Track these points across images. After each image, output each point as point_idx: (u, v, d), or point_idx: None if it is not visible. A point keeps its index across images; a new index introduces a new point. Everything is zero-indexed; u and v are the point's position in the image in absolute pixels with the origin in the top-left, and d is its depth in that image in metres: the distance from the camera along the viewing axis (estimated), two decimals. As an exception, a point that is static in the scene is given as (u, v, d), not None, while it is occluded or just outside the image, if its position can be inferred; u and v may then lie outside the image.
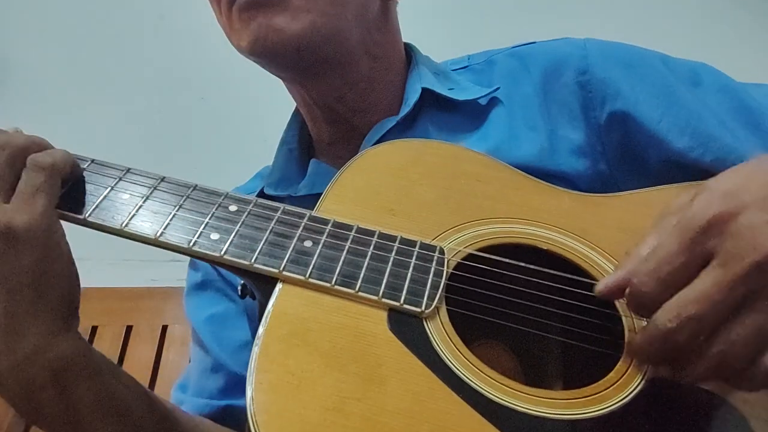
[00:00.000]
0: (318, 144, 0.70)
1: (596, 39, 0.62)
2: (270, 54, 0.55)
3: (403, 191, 0.50)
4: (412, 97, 0.62)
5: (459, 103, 0.61)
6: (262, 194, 0.65)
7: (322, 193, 0.54)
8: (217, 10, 0.59)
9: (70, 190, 0.44)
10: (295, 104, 0.71)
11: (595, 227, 0.49)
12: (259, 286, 0.44)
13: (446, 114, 0.62)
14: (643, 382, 0.40)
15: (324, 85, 0.61)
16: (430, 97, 0.63)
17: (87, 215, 0.44)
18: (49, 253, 0.41)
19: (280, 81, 0.65)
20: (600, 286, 0.41)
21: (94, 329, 1.12)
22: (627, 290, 0.39)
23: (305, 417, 0.36)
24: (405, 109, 0.61)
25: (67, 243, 0.43)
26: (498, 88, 0.62)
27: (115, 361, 1.02)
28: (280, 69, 0.60)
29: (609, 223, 0.49)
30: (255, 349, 0.39)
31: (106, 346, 1.12)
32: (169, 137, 1.62)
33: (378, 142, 0.60)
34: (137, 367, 1.12)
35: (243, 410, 0.62)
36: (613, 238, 0.48)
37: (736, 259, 0.35)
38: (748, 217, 0.36)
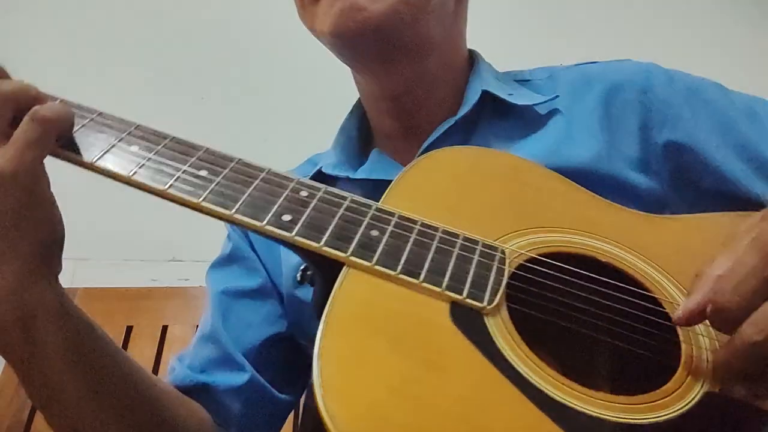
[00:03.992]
0: (378, 136, 0.72)
1: (659, 65, 0.64)
2: (351, 34, 0.57)
3: (464, 194, 0.51)
4: (472, 98, 0.64)
5: (518, 109, 0.63)
6: (319, 173, 0.68)
7: (377, 180, 0.58)
8: (299, 2, 0.61)
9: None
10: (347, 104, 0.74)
11: (653, 245, 0.49)
12: (324, 269, 0.45)
13: (505, 122, 0.64)
14: (700, 394, 0.41)
15: (395, 74, 0.63)
16: (490, 101, 0.64)
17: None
18: (33, 199, 0.43)
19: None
20: (680, 313, 0.40)
21: (94, 330, 1.09)
22: (709, 308, 0.38)
23: (371, 395, 0.37)
24: (464, 110, 0.63)
25: (51, 192, 0.45)
26: (557, 96, 0.64)
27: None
28: (357, 53, 0.62)
29: (667, 242, 0.50)
30: (321, 327, 0.39)
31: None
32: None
33: (436, 141, 0.62)
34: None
35: (218, 390, 0.63)
36: (671, 258, 0.49)
37: None
38: None
